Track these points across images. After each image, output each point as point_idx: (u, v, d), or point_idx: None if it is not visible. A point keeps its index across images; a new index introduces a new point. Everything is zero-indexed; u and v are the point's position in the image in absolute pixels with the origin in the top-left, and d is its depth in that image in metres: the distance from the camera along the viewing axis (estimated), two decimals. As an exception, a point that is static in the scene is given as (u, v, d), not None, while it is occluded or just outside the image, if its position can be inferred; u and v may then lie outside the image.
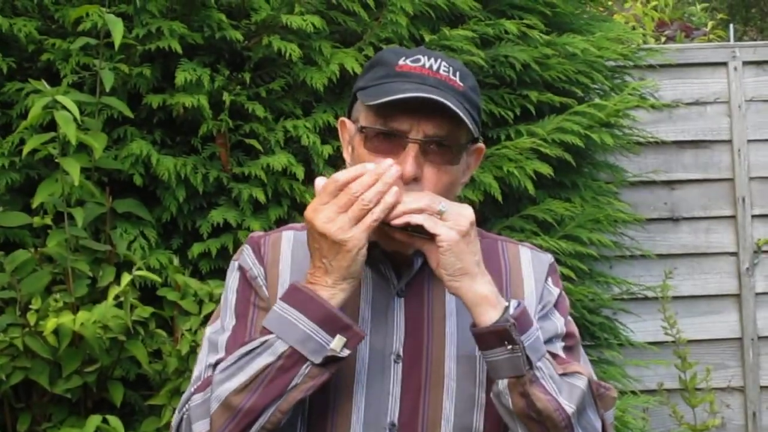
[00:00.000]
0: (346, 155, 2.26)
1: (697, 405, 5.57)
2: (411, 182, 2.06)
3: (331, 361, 2.01)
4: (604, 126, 4.64)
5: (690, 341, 5.65)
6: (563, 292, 2.34)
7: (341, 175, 2.03)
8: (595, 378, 2.19)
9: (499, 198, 4.18)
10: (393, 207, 2.01)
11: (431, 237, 2.02)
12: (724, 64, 6.01)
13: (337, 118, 3.95)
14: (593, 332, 4.91)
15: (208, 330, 2.25)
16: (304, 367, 2.00)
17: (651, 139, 5.54)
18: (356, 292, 2.15)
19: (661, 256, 5.81)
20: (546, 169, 4.31)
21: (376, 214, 1.99)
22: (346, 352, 2.02)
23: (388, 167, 2.02)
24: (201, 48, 3.95)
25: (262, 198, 3.87)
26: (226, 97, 3.85)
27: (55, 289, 3.54)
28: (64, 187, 3.54)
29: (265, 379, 2.00)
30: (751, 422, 5.94)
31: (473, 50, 4.15)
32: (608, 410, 2.22)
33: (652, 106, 5.42)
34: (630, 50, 5.07)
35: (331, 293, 2.03)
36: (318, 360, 2.00)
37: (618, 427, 4.45)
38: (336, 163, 4.02)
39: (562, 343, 2.23)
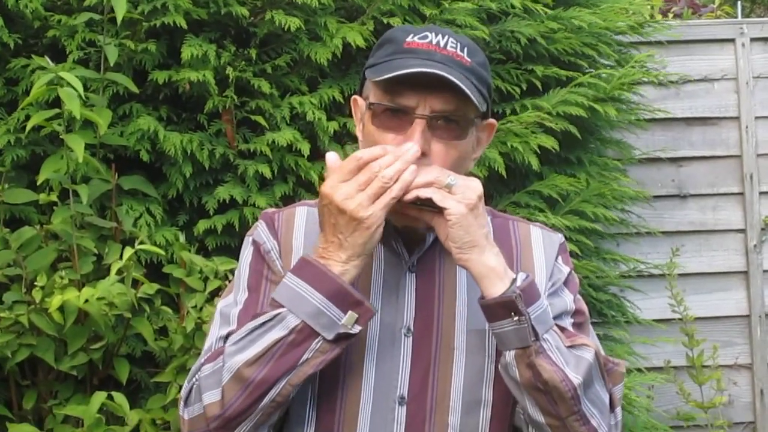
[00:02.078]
0: (358, 133, 2.27)
1: (704, 382, 5.57)
2: (419, 157, 2.07)
3: (342, 337, 2.03)
4: (610, 99, 4.62)
5: (697, 318, 5.64)
6: (573, 271, 2.35)
7: (363, 154, 2.05)
8: (603, 353, 2.19)
9: (504, 173, 4.17)
10: (410, 185, 2.02)
11: (440, 210, 2.03)
12: (732, 40, 6.00)
13: (342, 94, 3.96)
14: (600, 309, 4.91)
15: (221, 303, 2.27)
16: (315, 342, 2.02)
17: (659, 116, 5.52)
18: (368, 267, 2.17)
19: (668, 233, 5.81)
20: (551, 143, 4.29)
21: (395, 191, 2.01)
22: (357, 329, 2.03)
23: (408, 148, 2.03)
24: (207, 24, 3.94)
25: (268, 174, 3.86)
26: (231, 73, 3.83)
27: (61, 266, 3.54)
28: (69, 163, 3.53)
29: (276, 352, 2.02)
30: (759, 400, 5.94)
31: (477, 25, 4.13)
32: (617, 385, 2.22)
33: (659, 82, 5.42)
34: (637, 22, 5.06)
35: (344, 269, 2.04)
36: (330, 336, 2.01)
37: (624, 404, 4.45)
38: (341, 139, 4.02)
39: (571, 320, 2.25)
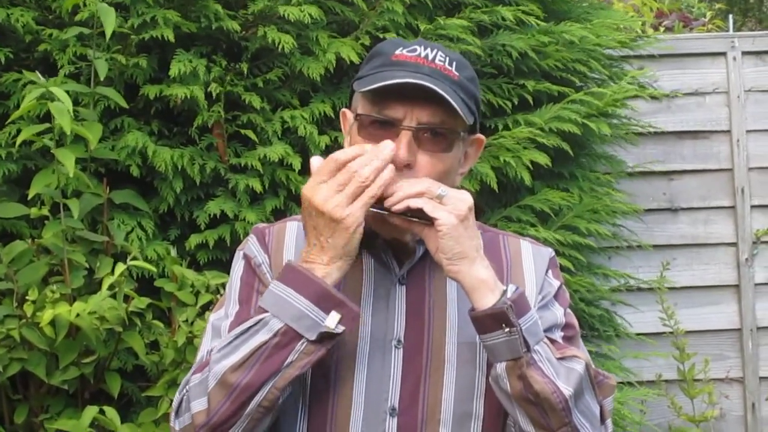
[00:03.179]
0: (346, 145, 2.26)
1: (695, 396, 5.57)
2: (405, 169, 2.08)
3: (326, 337, 2.03)
4: (602, 115, 4.63)
5: (689, 332, 5.65)
6: (563, 286, 2.36)
7: (340, 154, 2.05)
8: (593, 365, 2.19)
9: (496, 188, 4.17)
10: (389, 184, 2.03)
11: (430, 222, 2.03)
12: (723, 54, 6.01)
13: (334, 108, 3.96)
14: (591, 324, 4.91)
15: (212, 317, 2.27)
16: (300, 343, 2.02)
17: (650, 130, 5.54)
18: (358, 279, 2.19)
19: (659, 246, 5.81)
20: (543, 159, 4.30)
21: (373, 190, 2.01)
22: (340, 329, 2.03)
23: (384, 146, 2.04)
24: (198, 38, 3.95)
25: (259, 188, 3.86)
26: (213, 89, 3.84)
27: (52, 281, 3.53)
28: (59, 178, 3.53)
29: (261, 356, 2.02)
30: (750, 413, 5.94)
31: (470, 39, 4.14)
32: (607, 398, 2.23)
33: (651, 96, 5.43)
34: (628, 37, 5.07)
35: (327, 271, 2.04)
36: (313, 336, 2.01)
37: (616, 419, 4.45)
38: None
39: (561, 333, 2.25)
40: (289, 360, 2.02)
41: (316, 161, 2.09)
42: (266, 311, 2.05)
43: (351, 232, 2.02)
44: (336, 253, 2.03)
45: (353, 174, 2.01)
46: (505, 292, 2.05)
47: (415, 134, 2.10)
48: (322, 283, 2.03)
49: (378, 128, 2.13)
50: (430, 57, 2.15)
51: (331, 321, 2.02)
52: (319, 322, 2.02)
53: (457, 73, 2.16)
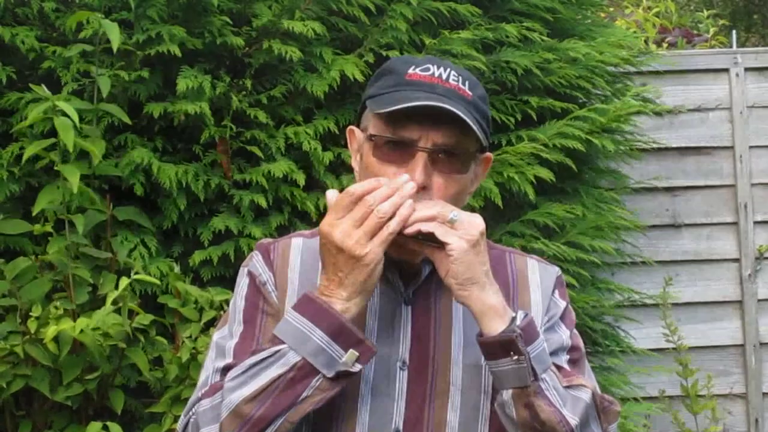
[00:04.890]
0: (355, 164, 2.25)
1: (699, 412, 5.56)
2: (420, 191, 2.06)
3: (342, 375, 2.01)
4: (606, 131, 4.63)
5: (692, 348, 5.63)
6: (569, 305, 2.34)
7: (356, 188, 2.02)
8: (599, 391, 2.18)
9: (500, 203, 4.17)
10: (407, 220, 2.00)
11: (441, 245, 2.01)
12: (726, 70, 6.01)
13: (338, 124, 3.96)
14: (595, 339, 4.90)
15: (216, 335, 2.25)
16: (315, 379, 2.00)
17: (653, 146, 5.54)
18: None
19: (663, 262, 5.80)
20: (547, 174, 4.30)
21: (392, 227, 1.99)
22: (357, 367, 2.02)
23: (404, 181, 2.02)
24: (201, 54, 3.95)
25: (263, 204, 3.86)
26: (232, 103, 3.85)
27: (56, 297, 3.54)
28: (64, 194, 3.53)
29: (276, 389, 2.00)
30: (754, 428, 5.92)
31: (474, 54, 4.15)
32: (611, 424, 2.21)
33: (654, 112, 5.43)
34: (631, 54, 5.07)
35: (345, 306, 2.02)
36: (330, 374, 2.00)
37: (620, 434, 4.45)
38: (337, 169, 4.02)
39: (567, 356, 2.23)
40: (304, 395, 2.00)
41: (331, 195, 2.06)
42: (282, 342, 2.03)
43: (371, 269, 2.00)
44: (355, 289, 2.01)
45: (371, 209, 1.99)
46: (514, 318, 2.04)
47: (430, 155, 2.08)
48: (341, 318, 2.00)
49: (392, 149, 2.11)
50: (444, 76, 2.14)
51: (349, 359, 2.00)
52: (336, 358, 2.00)
53: (470, 93, 2.14)
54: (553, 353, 2.16)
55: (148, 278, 3.51)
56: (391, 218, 1.99)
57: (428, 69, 2.15)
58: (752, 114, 5.97)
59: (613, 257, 5.08)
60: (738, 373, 5.95)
